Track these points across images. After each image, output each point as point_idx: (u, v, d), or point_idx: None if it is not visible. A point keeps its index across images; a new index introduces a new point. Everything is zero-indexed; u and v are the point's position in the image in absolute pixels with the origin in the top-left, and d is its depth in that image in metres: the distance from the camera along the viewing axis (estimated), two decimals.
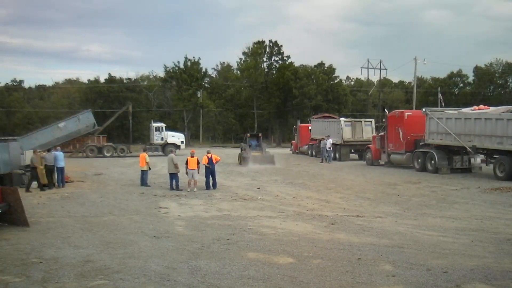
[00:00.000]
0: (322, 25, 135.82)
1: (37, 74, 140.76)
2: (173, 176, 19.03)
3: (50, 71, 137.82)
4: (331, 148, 32.14)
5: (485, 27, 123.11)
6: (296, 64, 66.74)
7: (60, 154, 20.08)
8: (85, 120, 40.06)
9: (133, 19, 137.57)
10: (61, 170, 19.81)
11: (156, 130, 41.69)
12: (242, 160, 29.89)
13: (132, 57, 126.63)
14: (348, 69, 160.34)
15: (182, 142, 42.60)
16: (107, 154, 39.51)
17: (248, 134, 34.04)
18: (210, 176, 18.90)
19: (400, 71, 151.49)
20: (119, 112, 47.72)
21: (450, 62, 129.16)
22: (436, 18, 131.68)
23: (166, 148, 39.31)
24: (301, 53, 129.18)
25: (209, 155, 19.18)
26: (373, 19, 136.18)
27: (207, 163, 18.84)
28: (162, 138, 41.34)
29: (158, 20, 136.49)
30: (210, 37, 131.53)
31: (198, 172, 18.78)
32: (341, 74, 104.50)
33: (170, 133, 42.70)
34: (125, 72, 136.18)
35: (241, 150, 31.81)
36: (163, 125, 43.06)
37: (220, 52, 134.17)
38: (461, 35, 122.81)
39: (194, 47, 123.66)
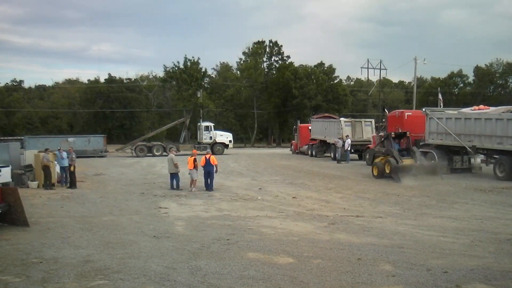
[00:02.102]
0: (337, 24, 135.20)
1: (43, 74, 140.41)
2: (174, 176, 19.03)
3: (56, 71, 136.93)
4: (349, 149, 32.12)
5: (504, 26, 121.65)
6: (302, 63, 67.06)
7: (63, 154, 20.38)
8: (95, 143, 40.06)
9: (147, 18, 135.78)
10: (64, 170, 20.27)
11: (205, 130, 42.06)
12: (391, 170, 20.82)
13: (143, 56, 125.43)
14: (357, 69, 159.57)
15: (230, 141, 42.92)
16: (157, 153, 39.19)
17: (393, 133, 22.60)
18: (208, 177, 18.89)
19: (402, 71, 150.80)
20: (176, 123, 50.43)
21: (456, 62, 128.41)
22: (453, 17, 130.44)
23: (214, 147, 39.70)
24: (310, 52, 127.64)
25: (208, 156, 19.17)
26: (389, 19, 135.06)
27: (204, 164, 18.80)
28: (211, 137, 41.73)
29: (173, 20, 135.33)
30: (225, 36, 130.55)
31: (197, 172, 18.79)
32: (349, 74, 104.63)
33: (218, 132, 43.11)
34: (125, 72, 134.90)
35: (375, 154, 23.23)
36: (211, 124, 43.46)
37: (233, 51, 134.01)
38: (478, 34, 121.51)
39: (206, 47, 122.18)
